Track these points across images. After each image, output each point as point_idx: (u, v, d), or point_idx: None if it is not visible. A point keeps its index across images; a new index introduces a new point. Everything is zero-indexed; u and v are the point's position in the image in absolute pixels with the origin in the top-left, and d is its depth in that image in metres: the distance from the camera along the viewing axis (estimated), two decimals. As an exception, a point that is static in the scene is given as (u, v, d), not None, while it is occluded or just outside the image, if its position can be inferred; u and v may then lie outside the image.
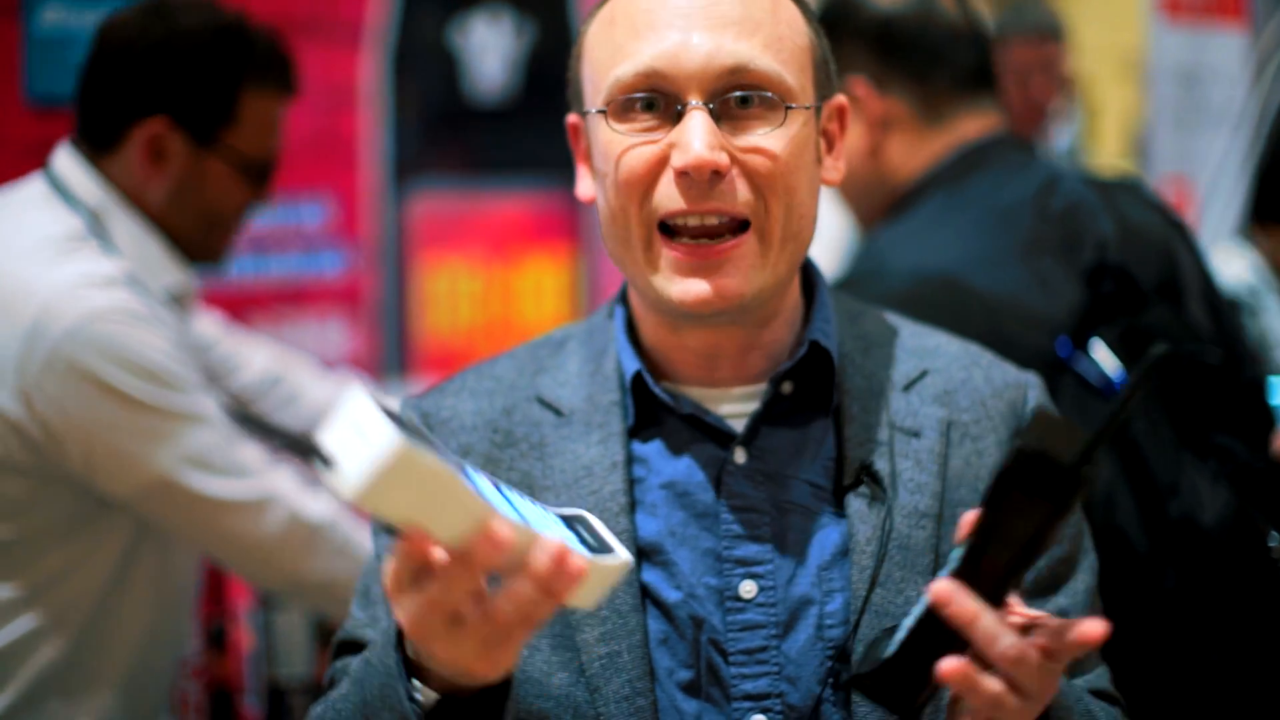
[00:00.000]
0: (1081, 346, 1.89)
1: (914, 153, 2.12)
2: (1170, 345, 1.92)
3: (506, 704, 1.15)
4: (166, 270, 2.10)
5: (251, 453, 2.06)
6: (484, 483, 1.07)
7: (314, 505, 2.10)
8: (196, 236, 2.15)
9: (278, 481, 2.08)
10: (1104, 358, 1.89)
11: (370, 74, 3.55)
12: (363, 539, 2.10)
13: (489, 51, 3.78)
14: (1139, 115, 5.21)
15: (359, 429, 0.97)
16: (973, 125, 2.13)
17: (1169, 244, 2.04)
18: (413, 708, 1.13)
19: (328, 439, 0.98)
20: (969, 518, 1.13)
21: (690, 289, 1.28)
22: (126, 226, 2.08)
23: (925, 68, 2.12)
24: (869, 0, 2.12)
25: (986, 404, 1.40)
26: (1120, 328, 1.91)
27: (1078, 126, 5.51)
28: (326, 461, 0.97)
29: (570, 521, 1.13)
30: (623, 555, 1.11)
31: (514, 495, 1.10)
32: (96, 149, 2.10)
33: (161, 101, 2.07)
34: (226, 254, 2.24)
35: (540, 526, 1.08)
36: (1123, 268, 1.94)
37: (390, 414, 0.98)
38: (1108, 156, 5.15)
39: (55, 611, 2.00)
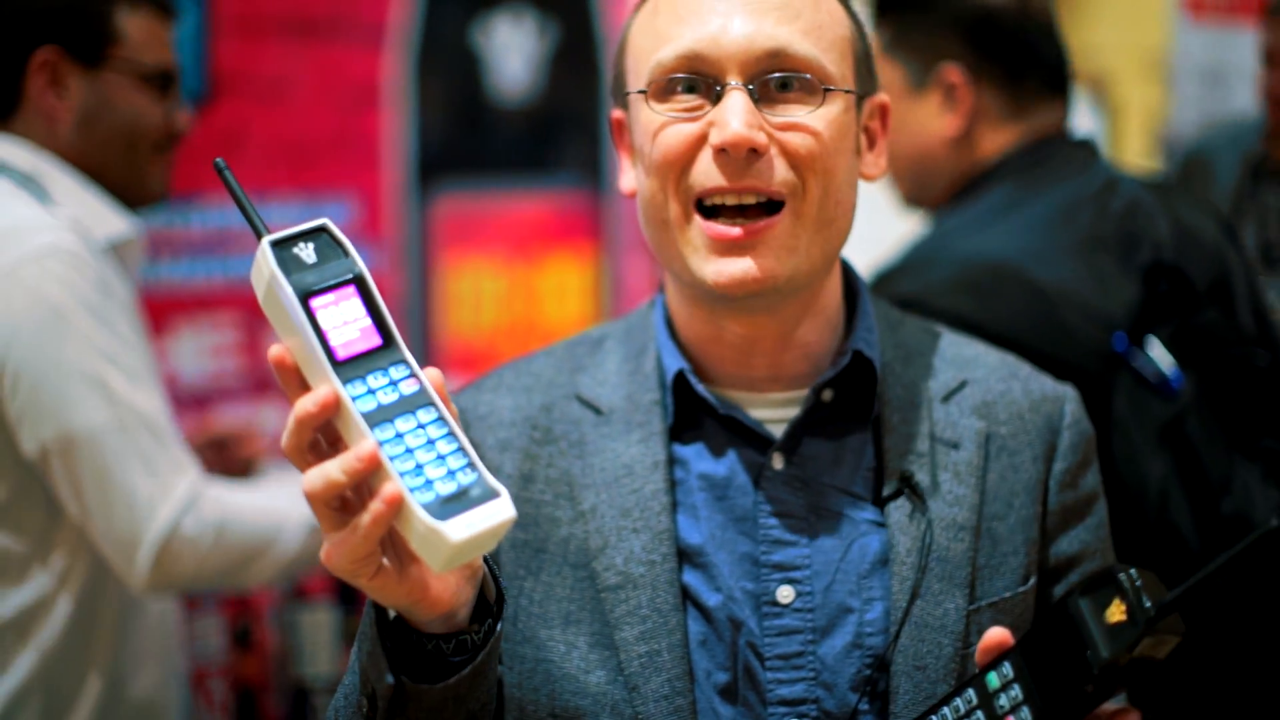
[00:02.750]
0: (1138, 343, 1.89)
1: (990, 142, 2.11)
2: (1221, 347, 1.93)
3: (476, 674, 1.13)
4: (109, 219, 2.12)
5: None
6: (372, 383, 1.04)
7: None
8: (122, 168, 2.16)
9: None
10: (1160, 355, 1.88)
11: (393, 74, 3.55)
12: None
13: (512, 52, 3.78)
14: (1163, 114, 5.19)
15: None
16: (1046, 120, 2.13)
17: (1221, 248, 2.04)
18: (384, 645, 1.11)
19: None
20: (995, 640, 1.15)
21: (725, 268, 1.28)
22: (63, 182, 2.10)
23: (1020, 65, 2.11)
24: None
25: (1024, 417, 1.40)
26: (1173, 327, 1.91)
27: (1102, 125, 5.49)
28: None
29: (468, 482, 1.04)
30: (454, 537, 1.00)
31: (430, 413, 1.04)
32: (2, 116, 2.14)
33: (45, 34, 2.11)
34: (163, 188, 2.24)
35: (394, 442, 1.02)
36: (1178, 268, 1.94)
37: (292, 240, 1.05)
38: (1131, 155, 5.12)
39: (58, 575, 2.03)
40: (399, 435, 1.03)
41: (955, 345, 1.45)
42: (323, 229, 1.06)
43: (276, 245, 1.04)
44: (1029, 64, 2.12)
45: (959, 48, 2.10)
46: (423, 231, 3.66)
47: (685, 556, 1.32)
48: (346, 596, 2.79)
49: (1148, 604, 1.07)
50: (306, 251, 1.05)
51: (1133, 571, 1.09)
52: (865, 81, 1.38)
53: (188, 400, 3.20)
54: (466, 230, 3.76)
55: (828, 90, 1.30)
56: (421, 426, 1.03)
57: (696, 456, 1.36)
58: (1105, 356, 1.86)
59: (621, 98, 1.39)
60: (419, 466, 1.02)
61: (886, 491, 1.33)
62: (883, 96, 1.41)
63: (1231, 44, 4.62)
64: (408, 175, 3.61)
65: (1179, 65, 4.82)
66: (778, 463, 1.34)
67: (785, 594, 1.31)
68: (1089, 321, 1.88)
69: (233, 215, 3.26)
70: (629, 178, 1.40)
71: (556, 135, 3.92)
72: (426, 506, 1.01)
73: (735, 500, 1.33)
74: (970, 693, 1.15)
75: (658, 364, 1.39)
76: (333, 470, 1.01)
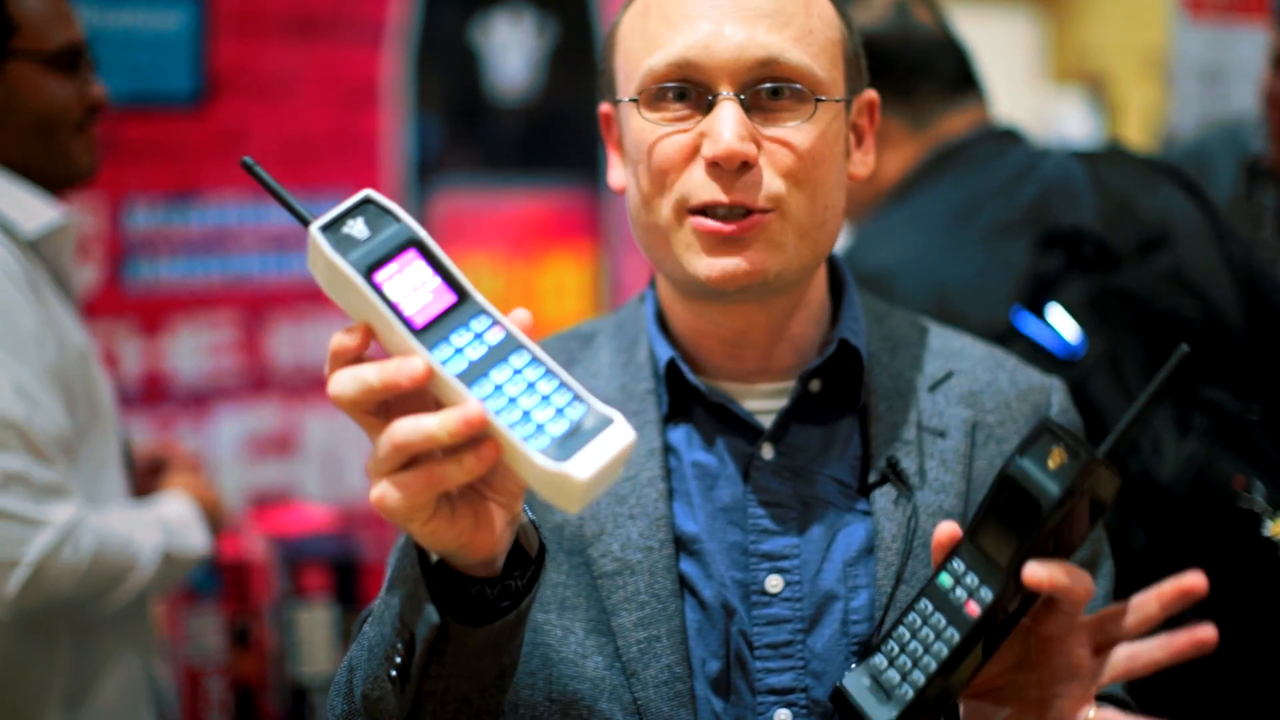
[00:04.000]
0: (1039, 314, 1.89)
1: (894, 162, 2.14)
2: (1142, 304, 1.93)
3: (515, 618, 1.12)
4: (39, 210, 2.08)
5: None
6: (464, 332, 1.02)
7: None
8: (44, 155, 2.11)
9: None
10: (1061, 322, 1.89)
11: (392, 72, 3.55)
12: None
13: (511, 49, 3.78)
14: (1162, 113, 5.19)
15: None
16: (955, 124, 2.15)
17: (1162, 208, 2.02)
18: (420, 573, 1.09)
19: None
20: (945, 536, 1.16)
21: (716, 264, 1.28)
22: None
23: (911, 82, 2.13)
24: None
25: (1011, 406, 1.40)
26: (1091, 290, 1.92)
27: (1100, 124, 5.49)
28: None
29: (579, 416, 1.01)
30: (581, 475, 0.97)
31: (523, 356, 1.02)
32: None
33: None
34: (90, 164, 2.18)
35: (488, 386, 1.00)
36: (1089, 233, 1.94)
37: (346, 216, 1.03)
38: (1130, 155, 5.13)
39: None
40: (498, 388, 1.00)
41: (941, 337, 1.46)
42: (367, 200, 1.04)
43: (326, 229, 1.01)
44: (920, 79, 2.13)
45: None
46: (421, 229, 3.66)
47: (681, 544, 1.33)
48: (345, 595, 2.79)
49: (1085, 444, 1.10)
50: (357, 227, 1.02)
51: (1060, 425, 1.13)
52: (855, 81, 1.38)
53: (186, 399, 3.20)
54: (465, 228, 3.76)
55: (819, 101, 1.30)
56: (518, 372, 1.01)
57: (688, 445, 1.36)
58: (996, 333, 1.85)
59: (610, 95, 1.40)
60: (526, 413, 1.00)
61: (872, 479, 1.34)
62: (871, 93, 1.41)
63: (1231, 43, 4.62)
64: (406, 173, 3.61)
65: (1178, 64, 4.82)
66: (767, 452, 1.34)
67: (774, 583, 1.31)
68: (981, 303, 1.89)
69: (231, 213, 3.27)
70: (618, 173, 1.40)
71: (555, 133, 3.92)
72: (545, 451, 0.98)
73: (725, 489, 1.34)
74: (924, 602, 1.16)
75: (650, 354, 1.40)
76: (432, 426, 0.98)
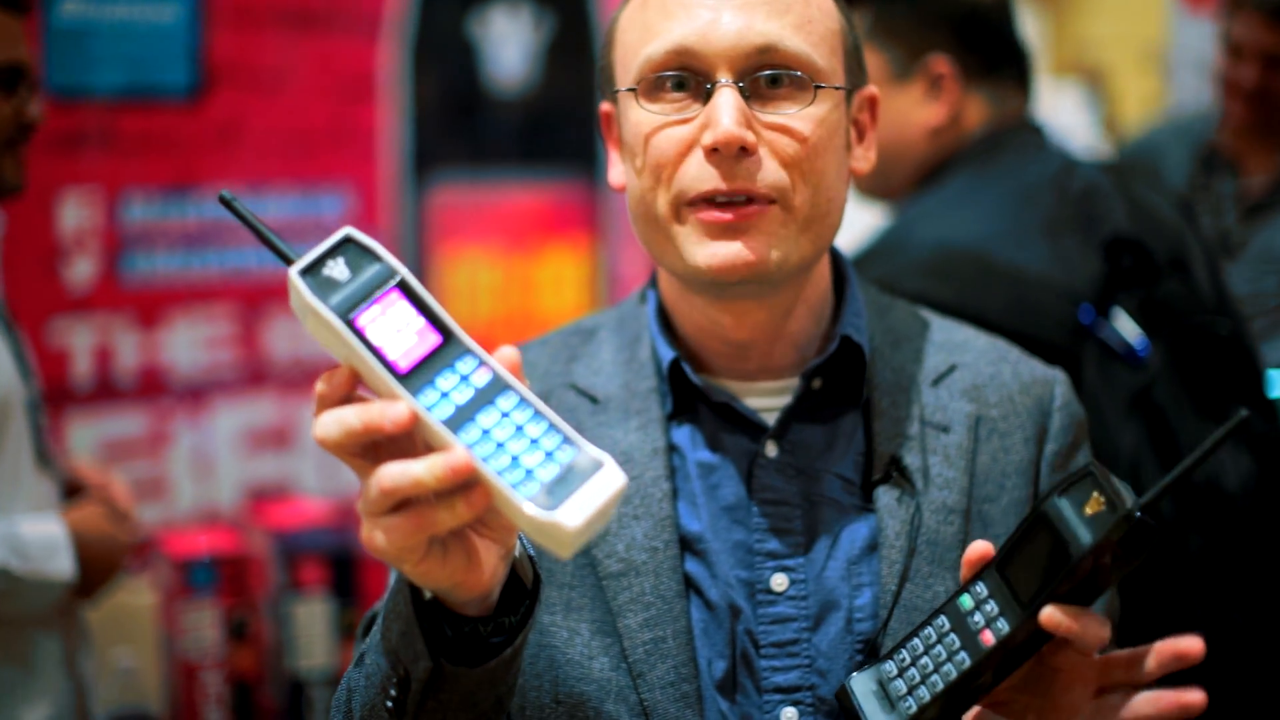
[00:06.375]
0: (1104, 316, 1.91)
1: (964, 131, 2.15)
2: (1183, 317, 1.96)
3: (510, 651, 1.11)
4: None
5: None
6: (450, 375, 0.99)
7: None
8: None
9: None
10: (1126, 326, 1.90)
11: (389, 65, 3.55)
12: None
13: (508, 43, 3.77)
14: (1160, 106, 5.19)
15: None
16: (1011, 108, 2.17)
17: (1177, 225, 2.07)
18: (412, 610, 1.08)
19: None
20: (977, 554, 1.16)
21: (718, 251, 1.27)
22: None
23: (999, 61, 2.16)
24: None
25: (1014, 399, 1.40)
26: (1137, 298, 1.94)
27: (1099, 117, 5.49)
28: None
29: (568, 460, 0.99)
30: (571, 524, 0.95)
31: (510, 398, 1.00)
32: None
33: None
34: (17, 179, 2.16)
35: (474, 433, 0.98)
36: (1138, 241, 1.96)
37: (325, 255, 1.01)
38: (1128, 148, 5.13)
39: None
40: (485, 432, 0.98)
41: (944, 330, 1.45)
42: (348, 240, 1.01)
43: (306, 271, 1.00)
44: (1005, 60, 2.16)
45: (946, 39, 2.11)
46: (418, 223, 3.66)
47: (686, 544, 1.32)
48: (342, 589, 2.79)
49: (1126, 494, 1.09)
50: (338, 268, 1.00)
51: (1103, 469, 1.12)
52: (855, 75, 1.37)
53: (182, 392, 3.20)
54: (462, 221, 3.76)
55: (818, 88, 1.29)
56: (505, 415, 0.98)
57: (692, 444, 1.36)
58: (1072, 329, 1.89)
59: (610, 92, 1.39)
60: (514, 459, 0.97)
61: (875, 476, 1.33)
62: (872, 89, 1.41)
63: (1229, 35, 4.61)
64: (404, 166, 3.60)
65: (1176, 57, 4.83)
66: (771, 450, 1.34)
67: (779, 581, 1.31)
68: (1054, 297, 1.91)
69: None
70: (618, 171, 1.39)
71: (552, 126, 3.91)
72: (534, 499, 0.96)
73: (729, 488, 1.33)
74: (942, 619, 1.17)
75: (653, 353, 1.39)
76: (418, 472, 0.96)
